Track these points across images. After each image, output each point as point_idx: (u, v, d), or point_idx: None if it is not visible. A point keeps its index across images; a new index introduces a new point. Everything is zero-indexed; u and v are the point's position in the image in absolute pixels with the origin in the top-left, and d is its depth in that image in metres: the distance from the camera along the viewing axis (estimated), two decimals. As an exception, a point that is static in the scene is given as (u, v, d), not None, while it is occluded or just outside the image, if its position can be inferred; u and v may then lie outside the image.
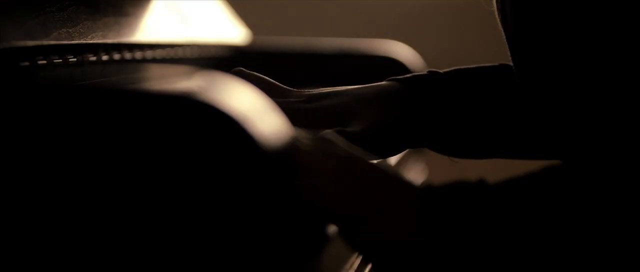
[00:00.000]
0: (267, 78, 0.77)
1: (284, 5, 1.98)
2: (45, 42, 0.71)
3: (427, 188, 0.58)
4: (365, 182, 0.58)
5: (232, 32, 1.18)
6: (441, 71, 0.81)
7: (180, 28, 1.01)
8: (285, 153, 0.51)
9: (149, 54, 0.94)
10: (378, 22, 1.96)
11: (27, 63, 0.70)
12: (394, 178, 0.59)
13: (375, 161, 0.61)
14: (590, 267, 0.56)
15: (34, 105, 0.51)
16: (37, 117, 0.51)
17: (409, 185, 0.59)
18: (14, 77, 0.68)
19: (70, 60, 0.76)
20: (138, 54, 0.91)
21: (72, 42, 0.75)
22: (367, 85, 0.78)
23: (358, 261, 0.72)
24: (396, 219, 0.57)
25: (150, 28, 0.93)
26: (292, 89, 0.77)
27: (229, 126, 0.48)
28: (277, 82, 0.77)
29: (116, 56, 0.86)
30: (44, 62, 0.72)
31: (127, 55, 0.89)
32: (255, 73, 0.76)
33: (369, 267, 0.73)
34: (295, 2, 1.98)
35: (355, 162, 0.59)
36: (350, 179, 0.57)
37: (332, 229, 0.61)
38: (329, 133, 0.62)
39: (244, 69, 0.76)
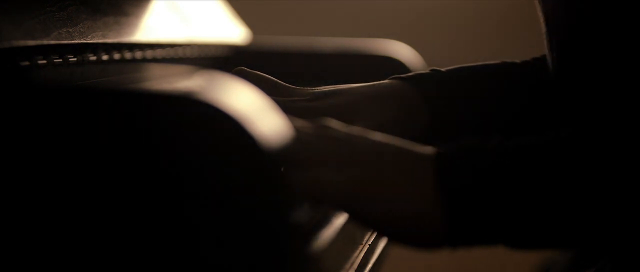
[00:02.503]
0: (270, 77, 0.76)
1: (284, 5, 1.98)
2: (45, 42, 0.71)
3: (440, 154, 0.57)
4: (370, 160, 0.57)
5: (232, 32, 1.18)
6: (443, 69, 0.81)
7: (180, 28, 1.00)
8: (285, 153, 0.51)
9: (149, 53, 0.94)
10: (378, 22, 1.96)
11: (27, 63, 0.70)
12: (402, 149, 0.58)
13: (378, 135, 0.59)
14: (605, 228, 0.55)
15: (34, 105, 0.51)
16: (37, 117, 0.50)
17: (419, 153, 0.58)
18: (14, 77, 0.68)
19: (70, 60, 0.76)
20: (138, 54, 0.91)
21: (72, 41, 0.75)
22: (369, 83, 0.78)
23: (358, 261, 0.72)
24: (411, 190, 0.56)
25: (150, 28, 0.93)
26: (295, 87, 0.77)
27: (229, 126, 0.48)
28: (280, 81, 0.77)
29: (116, 56, 0.86)
30: (44, 62, 0.72)
31: (127, 55, 0.88)
32: (258, 72, 0.76)
33: (369, 266, 0.73)
34: (295, 2, 1.98)
35: (356, 142, 0.58)
36: (354, 161, 0.57)
37: (336, 226, 0.61)
38: (326, 118, 0.61)
39: (246, 68, 0.76)
